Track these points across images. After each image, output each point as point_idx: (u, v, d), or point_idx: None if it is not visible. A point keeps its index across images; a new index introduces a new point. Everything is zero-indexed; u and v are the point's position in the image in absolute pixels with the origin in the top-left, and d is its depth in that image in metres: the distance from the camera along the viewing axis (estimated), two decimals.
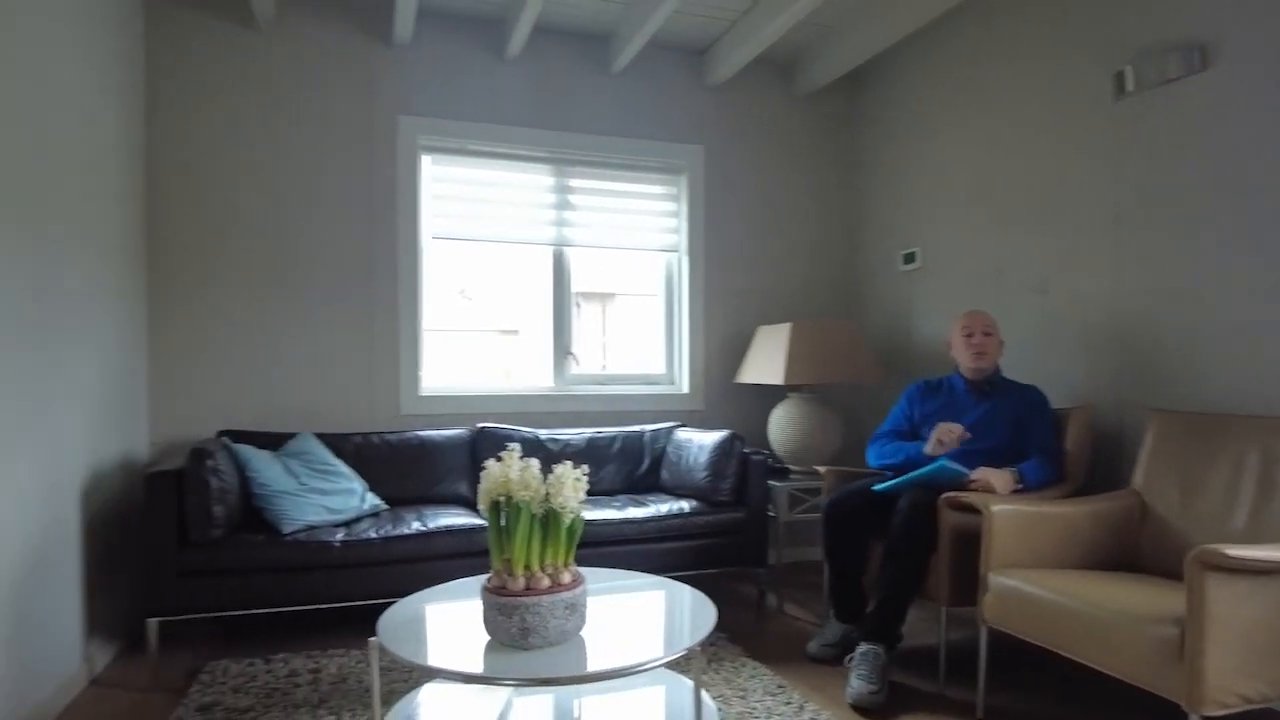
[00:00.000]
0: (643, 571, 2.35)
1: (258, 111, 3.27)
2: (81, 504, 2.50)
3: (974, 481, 2.55)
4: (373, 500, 2.91)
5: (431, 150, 3.54)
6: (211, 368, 3.22)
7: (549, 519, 1.64)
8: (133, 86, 3.00)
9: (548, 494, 1.63)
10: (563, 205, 3.72)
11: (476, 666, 1.55)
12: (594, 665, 1.56)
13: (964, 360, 2.83)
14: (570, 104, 3.71)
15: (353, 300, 3.40)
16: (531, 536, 1.63)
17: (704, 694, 1.87)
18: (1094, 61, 2.84)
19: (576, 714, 1.88)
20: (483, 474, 1.74)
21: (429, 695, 1.91)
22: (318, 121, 3.35)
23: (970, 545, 2.36)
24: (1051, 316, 3.03)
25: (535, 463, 1.67)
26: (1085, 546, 2.36)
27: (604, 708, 1.91)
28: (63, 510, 2.36)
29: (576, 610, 1.67)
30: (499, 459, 1.74)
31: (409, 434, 3.25)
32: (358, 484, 2.91)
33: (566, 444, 3.41)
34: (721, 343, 3.96)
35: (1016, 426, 2.72)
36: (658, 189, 3.89)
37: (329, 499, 2.76)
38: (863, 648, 2.45)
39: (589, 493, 3.31)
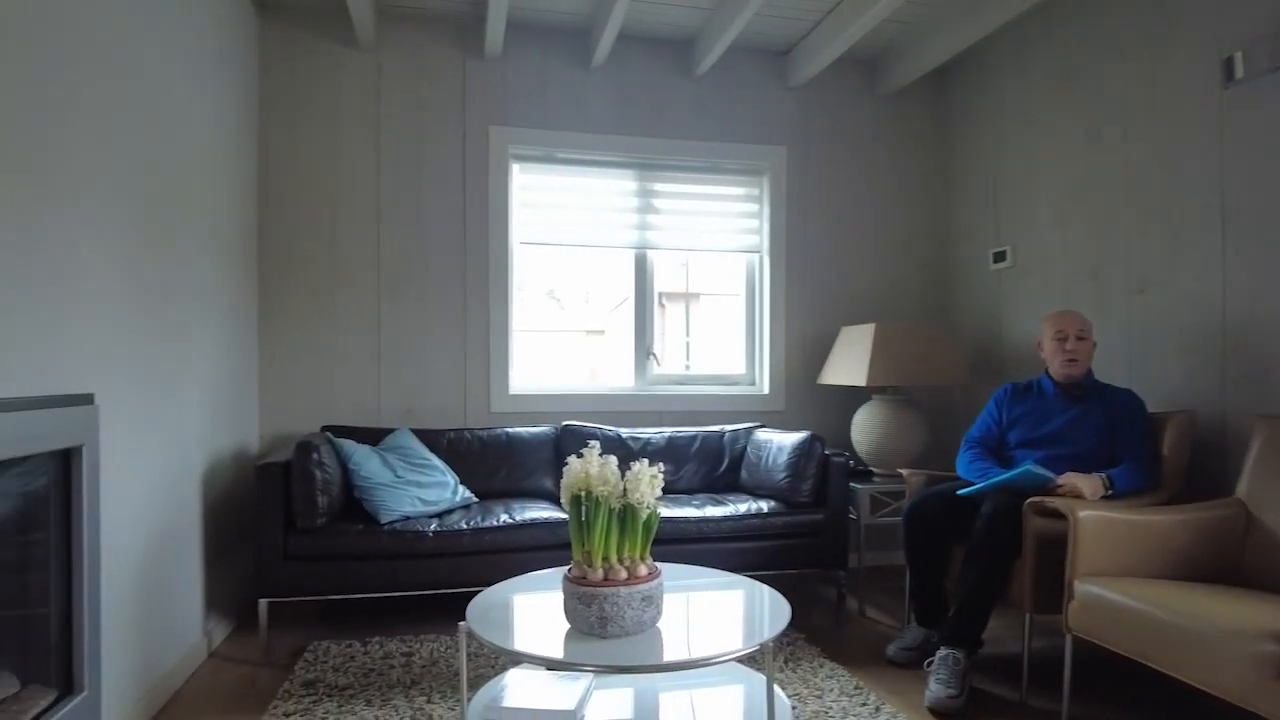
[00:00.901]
0: (720, 570, 2.40)
1: (359, 125, 3.47)
2: (202, 490, 2.73)
3: (1060, 487, 2.48)
4: (464, 493, 3.05)
5: (520, 159, 3.67)
6: (315, 366, 3.44)
7: (626, 514, 1.71)
8: (246, 104, 3.23)
9: (625, 489, 1.70)
10: (645, 209, 3.80)
11: (556, 652, 1.63)
12: (669, 656, 1.61)
13: (1055, 365, 2.75)
14: (652, 109, 3.78)
15: (447, 303, 3.56)
16: (609, 530, 1.70)
17: (777, 690, 1.90)
18: (1200, 48, 2.71)
19: (654, 705, 1.94)
20: (565, 469, 1.82)
21: (514, 680, 2.00)
22: (414, 134, 3.53)
23: (1056, 551, 2.31)
24: (1151, 318, 2.91)
25: (613, 459, 1.74)
26: (1178, 556, 2.26)
27: (680, 700, 1.97)
28: (186, 495, 2.59)
29: (653, 602, 1.73)
30: (580, 455, 1.82)
31: (498, 430, 3.38)
32: (450, 477, 3.06)
33: (647, 442, 3.48)
34: (803, 343, 3.95)
35: (1108, 432, 2.64)
36: (739, 190, 3.92)
37: (424, 491, 2.92)
38: (942, 652, 2.42)
39: (668, 491, 3.40)
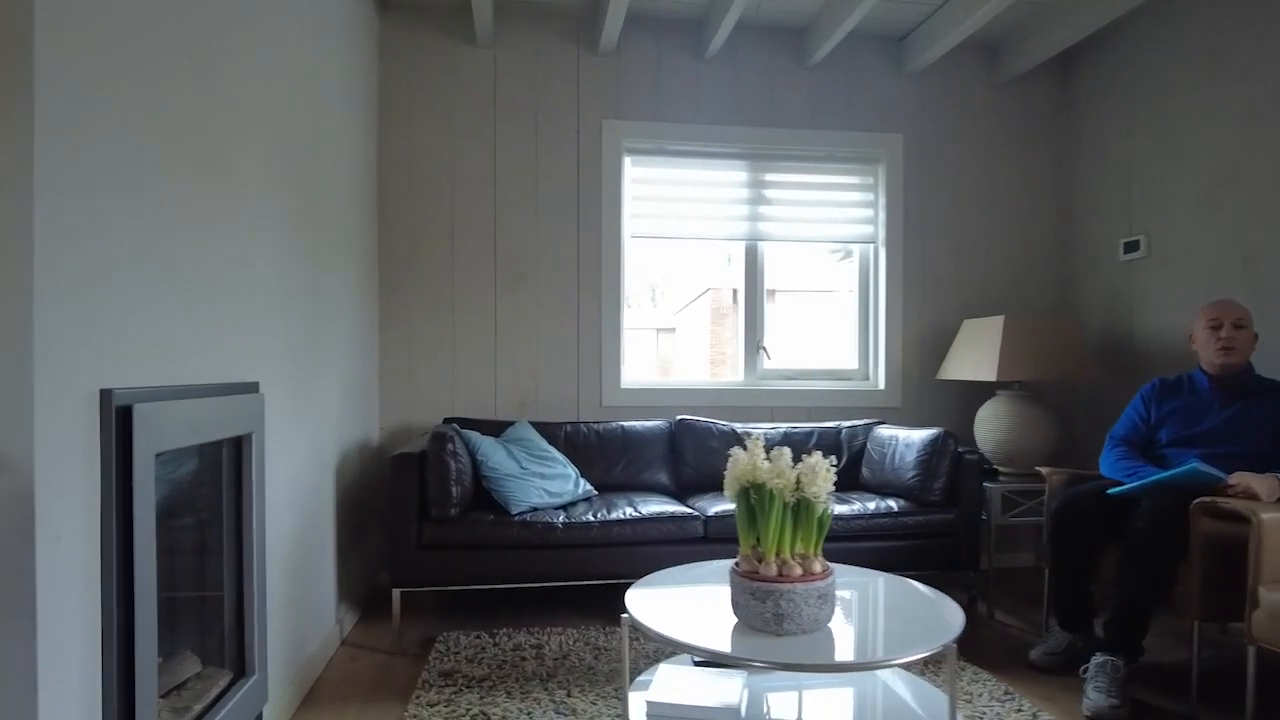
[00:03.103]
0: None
1: (476, 122, 3.50)
2: (336, 481, 2.78)
3: (1232, 486, 2.33)
4: (585, 486, 3.04)
5: (633, 152, 3.65)
6: (432, 361, 3.48)
7: (800, 508, 1.66)
8: (368, 104, 3.29)
9: (799, 483, 1.65)
10: (757, 200, 3.73)
11: (729, 647, 1.58)
12: (847, 655, 1.55)
13: (1208, 355, 2.59)
14: (765, 99, 3.71)
15: (561, 297, 3.56)
16: (784, 524, 1.65)
17: (941, 693, 1.82)
18: None
19: (809, 706, 1.88)
20: (730, 461, 1.77)
21: (665, 675, 1.97)
22: (529, 129, 3.54)
23: (1228, 555, 2.17)
24: None
25: (787, 452, 1.69)
26: None
27: (839, 702, 1.90)
28: (323, 486, 2.63)
29: (828, 600, 1.67)
30: (744, 448, 1.77)
31: (614, 424, 3.37)
32: (571, 470, 3.05)
33: (764, 438, 3.41)
34: (921, 338, 3.83)
35: (1272, 430, 2.47)
36: (854, 179, 3.82)
37: (548, 483, 2.92)
38: (1099, 659, 2.30)
39: None
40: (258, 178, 1.97)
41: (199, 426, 1.51)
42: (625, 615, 1.78)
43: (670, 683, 1.94)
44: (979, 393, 3.79)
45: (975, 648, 2.77)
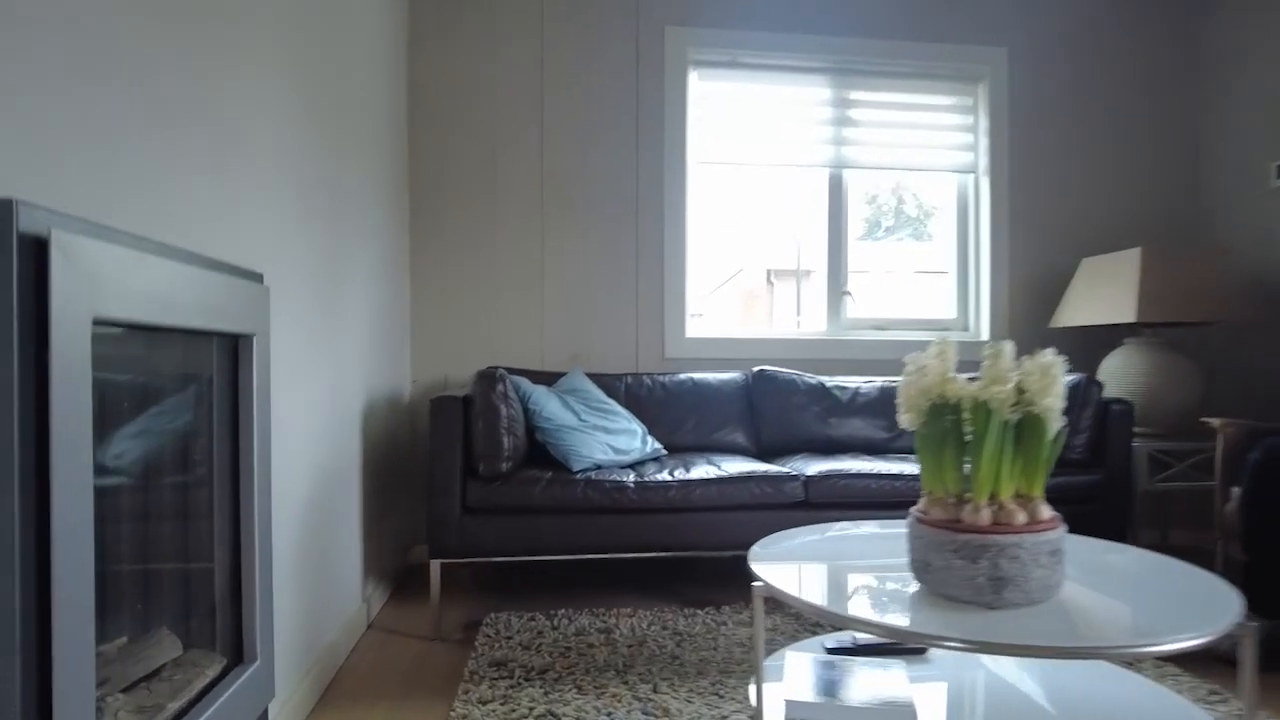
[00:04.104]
0: None
1: (521, 27, 3.02)
2: (362, 436, 2.31)
3: None
4: (653, 444, 2.55)
5: (699, 65, 3.15)
6: (471, 306, 3.01)
7: (1024, 428, 1.16)
8: (395, 11, 2.81)
9: (1021, 394, 1.15)
10: (842, 121, 3.22)
11: (935, 627, 1.09)
12: (1110, 636, 1.06)
13: None
14: (852, 5, 3.20)
15: (617, 233, 3.08)
16: (1003, 453, 1.15)
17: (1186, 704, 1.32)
18: None
19: (1006, 707, 1.38)
20: (904, 372, 1.28)
21: (795, 666, 1.48)
22: (581, 40, 3.05)
23: None
24: None
25: (1009, 348, 1.19)
26: None
27: (1043, 703, 1.41)
28: (347, 441, 2.17)
29: (1059, 559, 1.18)
30: (918, 356, 1.28)
31: (682, 377, 2.88)
32: (637, 425, 2.57)
33: (856, 392, 2.92)
34: (1028, 281, 3.31)
35: None
36: (949, 100, 3.30)
37: (613, 438, 2.44)
38: None
39: (891, 450, 2.84)
40: (269, 62, 1.50)
41: (169, 301, 1.04)
42: (757, 584, 1.29)
43: (806, 676, 1.45)
44: (1102, 342, 3.27)
45: None
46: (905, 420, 1.27)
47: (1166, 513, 3.10)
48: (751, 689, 1.44)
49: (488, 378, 2.23)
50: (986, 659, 1.60)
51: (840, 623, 1.15)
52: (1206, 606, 1.18)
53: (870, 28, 3.20)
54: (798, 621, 2.28)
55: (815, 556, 1.47)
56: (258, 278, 1.40)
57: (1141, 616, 1.15)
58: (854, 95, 3.23)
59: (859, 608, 1.17)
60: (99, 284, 0.88)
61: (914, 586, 1.27)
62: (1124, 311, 2.76)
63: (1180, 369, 2.85)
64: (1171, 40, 3.38)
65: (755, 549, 1.49)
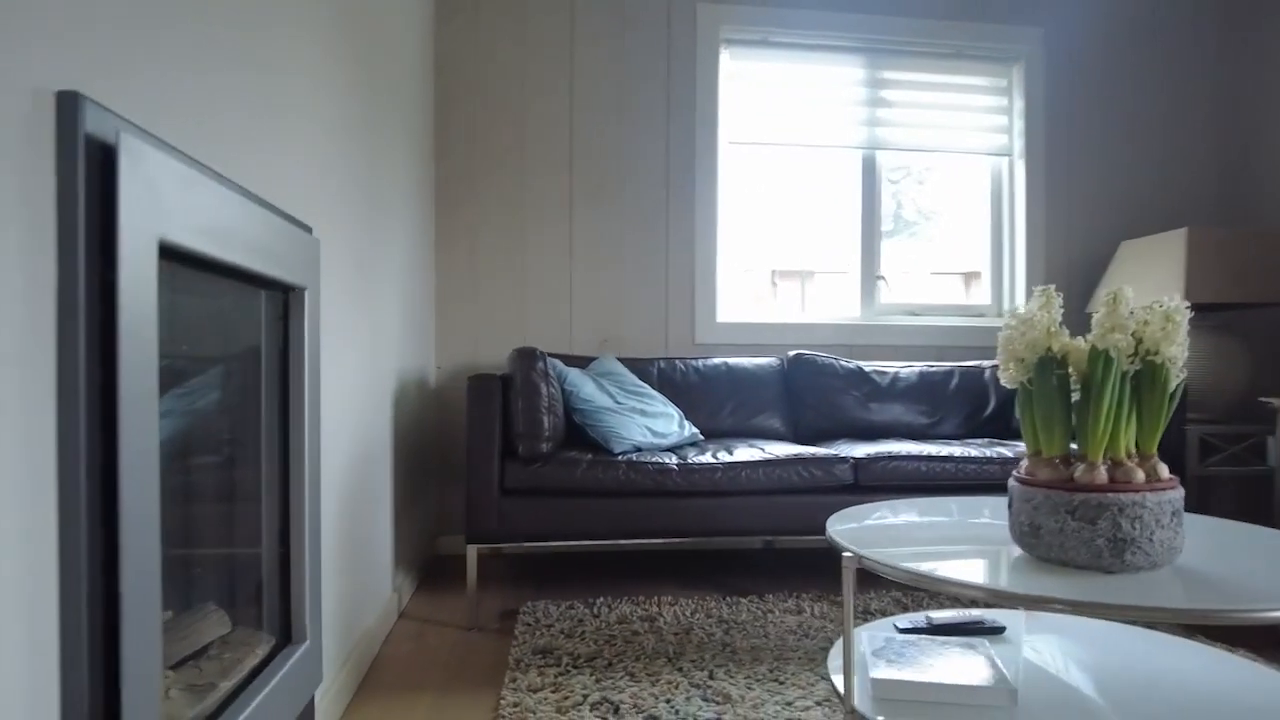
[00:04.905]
0: None
1: (548, 5, 2.94)
2: (392, 420, 2.23)
3: None
4: (690, 428, 2.47)
5: (731, 43, 3.08)
6: (497, 290, 2.92)
7: (1143, 380, 1.08)
8: None
9: (1143, 342, 1.07)
10: (875, 102, 3.15)
11: (1064, 590, 1.01)
12: (1247, 599, 0.97)
13: None
14: None
15: (648, 215, 3.00)
16: (1121, 405, 1.07)
17: None
18: None
19: (1103, 683, 1.30)
20: (1004, 325, 1.20)
21: (870, 645, 1.40)
22: (613, 14, 2.98)
23: None
24: None
25: (1128, 292, 1.11)
26: None
27: (1155, 683, 1.32)
28: (380, 419, 2.08)
29: (1180, 522, 1.09)
30: (1023, 307, 1.20)
31: (717, 361, 2.80)
32: (674, 409, 2.48)
33: (895, 377, 2.84)
34: (1067, 266, 3.23)
35: None
36: (984, 81, 3.23)
37: (651, 421, 2.35)
38: None
39: (927, 436, 2.76)
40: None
41: (228, 234, 0.95)
42: (848, 554, 1.21)
43: (887, 656, 1.37)
44: None
45: (1213, 628, 2.17)
46: (1007, 376, 1.19)
47: (1208, 498, 3.02)
48: (834, 667, 1.35)
49: (527, 355, 2.15)
50: (1069, 635, 1.51)
51: (947, 590, 1.07)
52: None
53: (905, 5, 3.13)
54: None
55: (896, 529, 1.39)
56: (308, 229, 1.32)
57: (1267, 580, 1.06)
58: (888, 75, 3.16)
59: (970, 573, 1.08)
60: (164, 204, 0.79)
61: (1016, 553, 1.18)
62: (1170, 293, 2.68)
63: (1228, 352, 2.78)
64: (1215, 16, 3.31)
65: (832, 523, 1.40)
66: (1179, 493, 1.09)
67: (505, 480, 2.11)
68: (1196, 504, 3.04)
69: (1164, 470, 1.10)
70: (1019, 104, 3.22)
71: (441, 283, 2.91)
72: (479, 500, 2.10)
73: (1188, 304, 1.05)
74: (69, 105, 0.69)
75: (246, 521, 1.23)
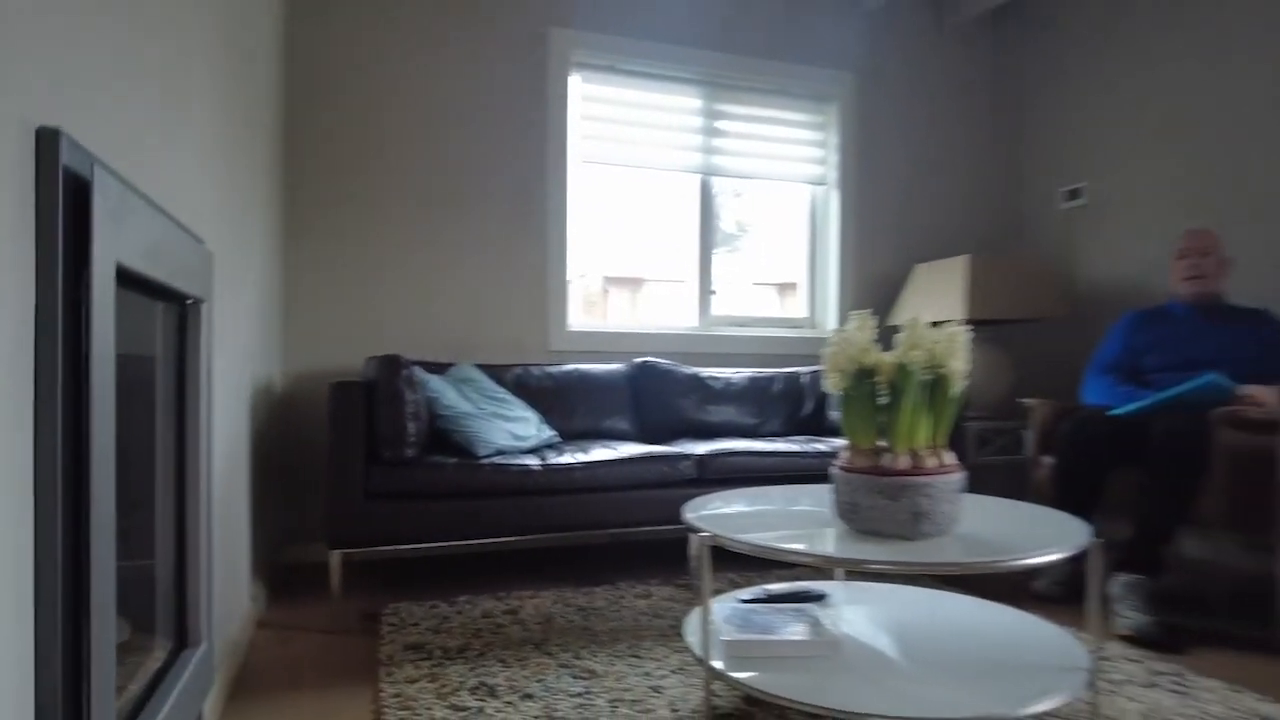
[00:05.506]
0: None
1: (408, 15, 2.99)
2: (250, 427, 2.21)
3: (1244, 398, 2.30)
4: (548, 431, 2.63)
5: (581, 67, 3.26)
6: (349, 295, 2.93)
7: (934, 387, 1.38)
8: None
9: (934, 357, 1.37)
10: (711, 131, 3.46)
11: (878, 554, 1.27)
12: (999, 554, 1.28)
13: (1175, 281, 2.61)
14: (722, 22, 3.45)
15: (502, 227, 3.12)
16: (920, 408, 1.36)
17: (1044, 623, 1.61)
18: None
19: (909, 635, 1.61)
20: (830, 342, 1.47)
21: (721, 614, 1.63)
22: (470, 29, 3.07)
23: (1249, 466, 2.13)
24: (1272, 242, 2.80)
25: (924, 319, 1.40)
26: None
27: (944, 631, 1.64)
28: (240, 425, 2.07)
29: (960, 499, 1.40)
30: (842, 330, 1.47)
31: (569, 367, 2.97)
32: (531, 413, 2.63)
33: (728, 382, 3.14)
34: (871, 282, 3.70)
35: (1254, 350, 2.49)
36: (805, 117, 3.64)
37: (511, 425, 2.49)
38: (1127, 578, 2.20)
39: (756, 434, 3.08)
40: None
41: (161, 253, 1.01)
42: (704, 534, 1.43)
43: (734, 622, 1.60)
44: None
45: (976, 584, 2.62)
46: (831, 384, 1.46)
47: (984, 481, 3.58)
48: (691, 636, 1.57)
49: (392, 362, 2.21)
50: (876, 600, 1.83)
51: (788, 559, 1.31)
52: (1064, 531, 1.45)
53: (737, 45, 3.47)
54: (694, 591, 2.44)
55: (740, 513, 1.63)
56: (201, 241, 1.36)
57: (1023, 538, 1.39)
58: (722, 107, 3.48)
59: (801, 544, 1.33)
60: (121, 231, 0.86)
61: (840, 527, 1.45)
62: (955, 310, 3.17)
63: (998, 360, 3.32)
64: (986, 78, 3.92)
65: (686, 510, 1.62)
66: (962, 475, 1.40)
67: (370, 484, 2.17)
68: (975, 486, 3.59)
69: (951, 458, 1.40)
70: (834, 139, 3.66)
71: (290, 288, 2.87)
72: (344, 505, 2.14)
73: (969, 325, 1.35)
74: (49, 140, 0.75)
75: (141, 528, 1.26)
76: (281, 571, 2.78)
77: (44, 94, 0.77)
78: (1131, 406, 2.40)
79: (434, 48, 3.03)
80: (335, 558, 2.18)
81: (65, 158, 0.76)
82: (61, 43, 0.82)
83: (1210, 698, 1.72)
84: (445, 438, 2.43)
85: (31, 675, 0.74)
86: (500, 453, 2.37)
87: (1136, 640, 2.08)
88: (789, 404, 3.20)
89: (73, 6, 0.85)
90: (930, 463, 1.36)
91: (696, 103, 3.44)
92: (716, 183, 3.53)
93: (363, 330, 2.94)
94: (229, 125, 1.80)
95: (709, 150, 3.45)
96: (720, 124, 3.47)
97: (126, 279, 0.95)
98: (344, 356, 2.92)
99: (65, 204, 0.77)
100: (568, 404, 2.88)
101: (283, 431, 2.85)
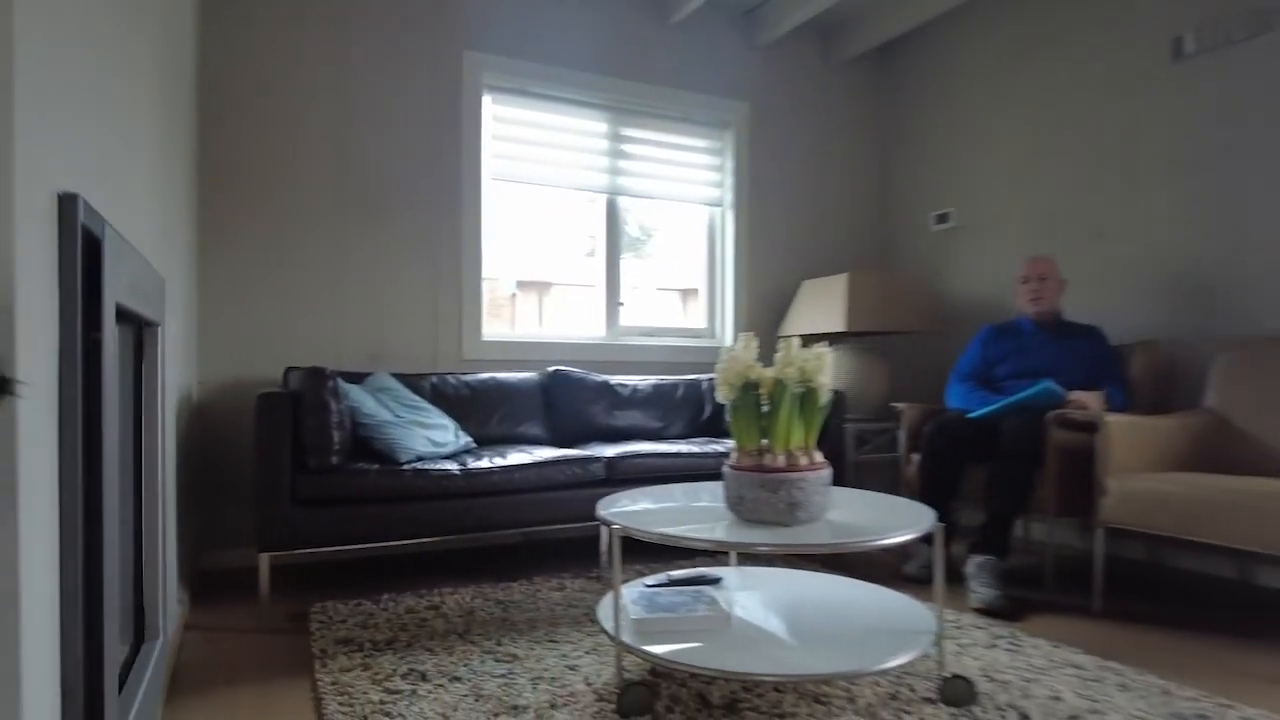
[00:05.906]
0: None
1: (323, 28, 3.09)
2: (175, 436, 2.29)
3: (1072, 402, 2.70)
4: (465, 437, 2.79)
5: (493, 89, 3.43)
6: (262, 305, 3.00)
7: (805, 398, 1.64)
8: None
9: (805, 373, 1.63)
10: (616, 154, 3.69)
11: (760, 538, 1.53)
12: (860, 536, 1.56)
13: (1021, 303, 3.01)
14: (627, 51, 3.68)
15: (415, 239, 3.25)
16: (793, 415, 1.63)
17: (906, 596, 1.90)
18: (1152, 28, 3.07)
19: (790, 609, 1.88)
20: (722, 357, 1.72)
21: (631, 597, 1.85)
22: (384, 48, 3.19)
23: (1075, 460, 2.52)
24: (1106, 265, 3.25)
25: (796, 340, 1.67)
26: (1179, 455, 2.56)
27: (819, 602, 1.92)
28: (167, 441, 2.16)
29: (829, 491, 1.67)
30: (733, 347, 1.72)
31: (485, 376, 3.14)
32: (448, 420, 2.79)
33: (635, 389, 3.38)
34: (764, 297, 4.02)
35: (1087, 361, 2.91)
36: (704, 142, 3.92)
37: (430, 432, 2.64)
38: (980, 558, 2.55)
39: (660, 437, 3.32)
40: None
41: (138, 288, 1.15)
42: (614, 526, 1.65)
43: (641, 603, 1.83)
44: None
45: (856, 570, 2.94)
46: (722, 394, 1.71)
47: (863, 477, 3.95)
48: (603, 617, 1.78)
49: (316, 374, 2.34)
50: (764, 582, 2.10)
51: (686, 544, 1.54)
52: (915, 517, 1.75)
53: (640, 72, 3.71)
54: (604, 582, 2.66)
55: (647, 509, 1.86)
56: (153, 267, 1.48)
57: (881, 523, 1.68)
58: (627, 131, 3.72)
59: (697, 531, 1.57)
60: (119, 277, 1.01)
61: (730, 517, 1.70)
62: (837, 322, 3.51)
63: (874, 368, 3.68)
64: (868, 110, 4.31)
65: (599, 507, 1.83)
66: (829, 471, 1.67)
67: (298, 491, 2.29)
68: (854, 480, 3.95)
69: (819, 457, 1.67)
70: (730, 164, 3.95)
71: (205, 299, 2.92)
72: (271, 511, 2.26)
73: (850, 336, 1.62)
74: (69, 204, 0.90)
75: None
76: (203, 578, 2.83)
77: (61, 163, 0.92)
78: (984, 410, 2.77)
79: (350, 58, 3.13)
80: (264, 561, 2.29)
81: (82, 218, 0.91)
82: (71, 115, 0.96)
83: (1035, 653, 2.06)
84: (366, 445, 2.56)
85: (58, 659, 0.88)
86: (420, 459, 2.53)
87: (987, 612, 2.43)
88: (691, 409, 3.46)
89: (71, 92, 0.99)
90: (803, 461, 1.62)
91: (603, 126, 3.66)
92: (622, 199, 3.76)
93: (279, 340, 3.02)
94: (164, 148, 1.90)
95: (614, 171, 3.68)
96: (625, 147, 3.71)
97: (118, 314, 1.09)
98: (261, 366, 2.99)
99: (82, 257, 0.91)
100: (484, 411, 3.04)
101: (200, 440, 2.90)
